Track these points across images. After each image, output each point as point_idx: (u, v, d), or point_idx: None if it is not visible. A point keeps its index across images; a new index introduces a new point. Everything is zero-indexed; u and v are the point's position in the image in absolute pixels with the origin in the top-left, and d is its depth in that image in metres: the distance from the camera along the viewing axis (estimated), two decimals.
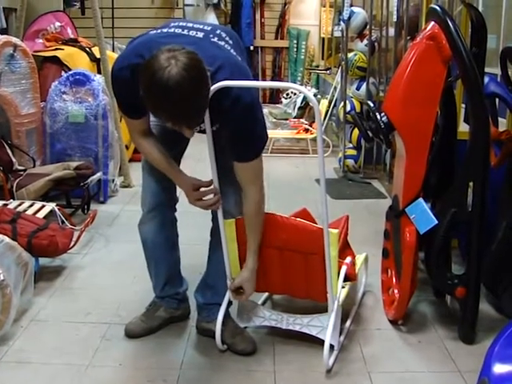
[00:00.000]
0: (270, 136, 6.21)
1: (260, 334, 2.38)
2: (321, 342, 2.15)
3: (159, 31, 1.96)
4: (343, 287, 2.34)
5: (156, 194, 2.22)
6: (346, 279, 2.36)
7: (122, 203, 4.06)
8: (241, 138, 1.91)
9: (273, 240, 2.16)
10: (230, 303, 2.30)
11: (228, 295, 2.26)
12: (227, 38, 1.99)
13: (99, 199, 4.07)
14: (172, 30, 1.94)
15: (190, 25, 1.97)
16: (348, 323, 2.45)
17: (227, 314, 2.30)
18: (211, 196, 2.04)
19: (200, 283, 2.38)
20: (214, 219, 2.19)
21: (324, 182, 1.94)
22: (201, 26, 1.97)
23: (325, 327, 2.18)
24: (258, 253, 2.13)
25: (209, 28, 1.98)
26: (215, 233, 2.19)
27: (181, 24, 1.98)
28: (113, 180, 4.22)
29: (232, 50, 1.95)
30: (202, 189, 2.06)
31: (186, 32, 1.93)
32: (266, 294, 2.62)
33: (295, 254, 2.17)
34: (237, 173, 1.98)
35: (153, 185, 2.21)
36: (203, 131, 1.99)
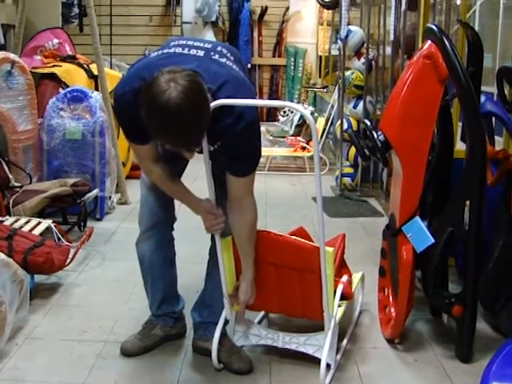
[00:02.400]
0: (267, 154, 6.31)
1: (256, 352, 2.38)
2: (317, 361, 2.15)
3: (160, 52, 1.95)
4: (340, 306, 2.34)
5: (154, 213, 2.22)
6: (342, 298, 2.36)
7: (119, 220, 4.05)
8: (241, 155, 1.91)
9: (269, 257, 2.17)
10: (226, 322, 2.30)
11: (224, 314, 2.25)
12: (228, 55, 1.98)
13: (96, 216, 4.06)
14: (172, 50, 1.94)
15: (191, 43, 1.96)
16: (344, 342, 2.45)
17: (224, 333, 2.30)
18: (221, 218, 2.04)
19: (197, 302, 2.38)
20: (213, 238, 2.19)
21: (321, 200, 1.95)
22: (201, 44, 1.97)
23: (321, 346, 2.18)
24: (253, 264, 2.13)
25: (209, 46, 1.98)
26: (214, 252, 2.18)
27: (181, 42, 1.97)
28: (110, 197, 4.22)
29: (234, 66, 1.95)
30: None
31: (186, 51, 1.92)
32: (262, 313, 2.62)
33: (291, 272, 2.17)
34: (231, 186, 1.97)
35: (151, 203, 2.22)
36: (201, 151, 2.00)
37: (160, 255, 2.28)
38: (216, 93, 1.81)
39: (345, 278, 2.45)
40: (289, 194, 5.06)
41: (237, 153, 1.91)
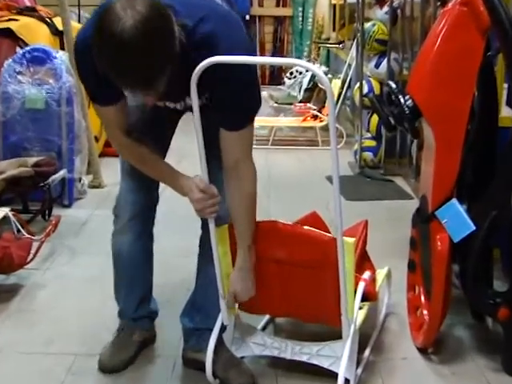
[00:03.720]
0: (270, 125, 6.30)
1: (260, 365, 2.39)
2: (334, 376, 2.15)
3: None
4: (361, 308, 2.34)
5: (135, 202, 2.25)
6: (364, 299, 2.36)
7: (92, 207, 4.05)
8: (235, 104, 1.90)
9: (274, 253, 2.17)
10: (223, 328, 2.30)
11: (221, 318, 2.25)
12: None
13: (63, 202, 4.06)
14: None
15: None
16: (367, 352, 2.45)
17: (220, 342, 2.30)
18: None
19: (187, 304, 2.39)
20: (204, 226, 2.18)
21: (337, 179, 1.93)
22: None
23: (338, 357, 2.18)
24: (252, 248, 2.12)
25: None
26: (206, 242, 2.19)
27: None
28: (80, 179, 4.21)
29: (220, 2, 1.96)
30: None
31: None
32: (267, 317, 2.62)
33: (302, 270, 2.16)
34: (226, 148, 1.96)
35: (134, 188, 2.23)
36: (187, 109, 1.97)
37: (140, 248, 2.32)
38: (194, 30, 1.80)
39: (367, 274, 2.45)
40: (297, 172, 5.06)
41: (230, 102, 1.89)
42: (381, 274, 2.69)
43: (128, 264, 2.34)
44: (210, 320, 2.28)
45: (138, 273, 2.36)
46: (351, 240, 2.07)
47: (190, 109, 1.94)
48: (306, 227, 2.18)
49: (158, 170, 2.09)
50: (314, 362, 2.26)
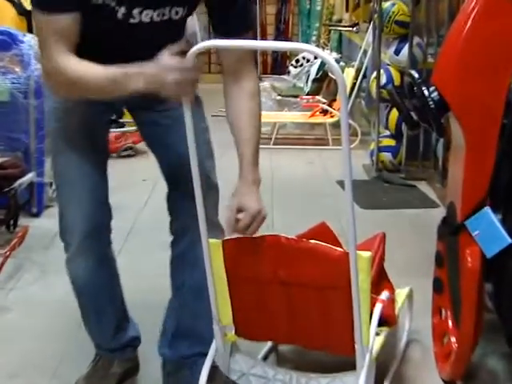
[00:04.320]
0: (273, 120, 6.31)
1: None
2: None
3: None
4: (378, 334, 2.33)
5: (90, 215, 2.20)
6: (381, 323, 2.35)
7: None
8: (241, 6, 2.04)
9: (277, 272, 2.16)
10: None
11: (214, 346, 2.26)
12: None
13: (31, 211, 4.07)
14: None
15: None
16: None
17: (214, 374, 2.30)
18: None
19: (165, 333, 2.42)
20: (174, 244, 2.30)
21: (350, 185, 1.92)
22: None
23: None
24: (258, 164, 2.14)
25: None
26: (186, 253, 2.27)
27: None
28: (51, 184, 4.16)
29: None
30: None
31: None
32: (269, 344, 2.64)
33: (309, 291, 2.16)
34: (227, 57, 2.09)
35: (80, 200, 2.20)
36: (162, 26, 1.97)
37: (101, 273, 2.31)
38: None
39: (385, 294, 2.43)
40: (304, 176, 5.07)
41: (235, 4, 2.03)
42: (401, 295, 2.69)
43: (91, 293, 2.34)
44: (202, 344, 2.30)
45: (105, 301, 2.37)
46: (366, 255, 2.06)
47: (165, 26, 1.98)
48: (313, 241, 2.16)
49: (103, 80, 1.91)
50: None
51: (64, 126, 2.18)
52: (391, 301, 2.51)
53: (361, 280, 2.03)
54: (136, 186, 4.40)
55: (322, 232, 2.55)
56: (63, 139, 2.18)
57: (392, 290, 2.60)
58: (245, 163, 2.09)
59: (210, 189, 2.24)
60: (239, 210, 2.06)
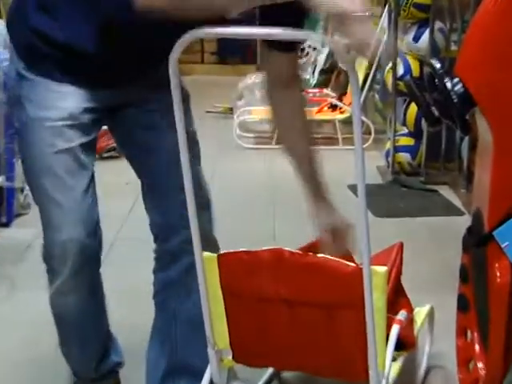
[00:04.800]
0: None
1: None
2: None
3: None
4: (394, 359, 2.33)
5: (85, 241, 2.19)
6: (399, 347, 2.35)
7: (38, 226, 4.02)
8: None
9: (280, 290, 2.16)
10: None
11: (209, 374, 2.25)
12: None
13: (0, 219, 4.08)
14: None
15: None
16: None
17: None
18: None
19: (155, 369, 2.44)
20: (158, 268, 2.39)
21: (364, 190, 1.93)
22: None
23: None
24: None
25: None
26: (168, 293, 2.36)
27: None
28: (22, 189, 4.21)
29: None
30: None
31: None
32: (270, 370, 2.65)
33: (316, 311, 2.16)
34: (278, 66, 2.16)
35: (77, 223, 2.18)
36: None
37: (95, 301, 2.35)
38: None
39: (403, 314, 2.43)
40: None
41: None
42: (421, 314, 2.69)
43: (77, 323, 2.37)
44: (197, 381, 2.29)
45: (91, 330, 2.40)
46: (382, 270, 2.06)
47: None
48: (321, 255, 2.16)
49: None
50: None
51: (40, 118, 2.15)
52: (410, 321, 2.50)
53: (375, 298, 2.02)
54: (119, 190, 4.40)
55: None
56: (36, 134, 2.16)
57: (410, 309, 2.59)
58: (317, 181, 2.29)
59: (204, 202, 2.32)
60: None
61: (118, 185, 4.47)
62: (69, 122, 2.11)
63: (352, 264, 2.12)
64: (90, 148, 2.20)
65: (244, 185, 4.79)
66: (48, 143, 2.12)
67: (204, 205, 2.31)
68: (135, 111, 2.26)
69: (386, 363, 2.16)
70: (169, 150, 2.13)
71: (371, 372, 2.09)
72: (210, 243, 2.24)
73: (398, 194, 4.81)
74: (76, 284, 2.25)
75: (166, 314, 2.42)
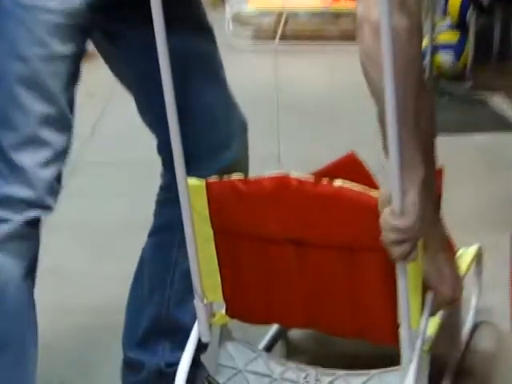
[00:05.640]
0: (278, 9, 6.23)
1: None
2: None
3: None
4: (433, 315, 2.30)
5: None
6: None
7: None
8: None
9: (288, 228, 2.15)
10: (202, 347, 2.32)
11: (197, 332, 2.26)
12: None
13: None
14: None
15: None
16: None
17: (197, 371, 2.36)
18: None
19: (134, 329, 2.50)
20: (165, 200, 2.42)
21: (393, 97, 1.89)
22: None
23: None
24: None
25: None
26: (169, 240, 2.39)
27: None
28: None
29: None
30: None
31: None
32: (275, 329, 2.69)
33: (332, 254, 2.15)
34: None
35: None
36: None
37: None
38: None
39: None
40: (324, 89, 5.07)
41: None
42: (466, 258, 2.69)
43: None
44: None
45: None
46: None
47: None
48: (338, 182, 2.12)
49: None
50: None
51: None
52: None
53: None
54: (80, 103, 4.38)
55: (351, 168, 2.54)
56: None
57: (453, 250, 2.57)
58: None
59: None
60: None
61: (79, 96, 4.46)
62: (71, 21, 2.12)
63: (377, 194, 2.07)
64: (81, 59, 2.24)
65: (241, 95, 4.76)
66: (39, 41, 2.11)
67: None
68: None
69: (421, 320, 2.15)
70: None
71: (402, 330, 2.09)
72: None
73: (437, 104, 4.76)
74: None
75: (164, 257, 2.45)
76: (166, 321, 2.43)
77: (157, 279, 2.48)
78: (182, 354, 2.30)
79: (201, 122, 2.34)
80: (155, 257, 2.49)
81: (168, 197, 2.38)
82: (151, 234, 2.50)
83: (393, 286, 2.05)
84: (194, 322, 2.29)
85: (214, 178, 2.15)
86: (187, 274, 2.28)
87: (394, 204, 1.91)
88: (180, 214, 2.25)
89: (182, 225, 2.26)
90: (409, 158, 1.97)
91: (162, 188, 2.47)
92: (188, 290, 2.29)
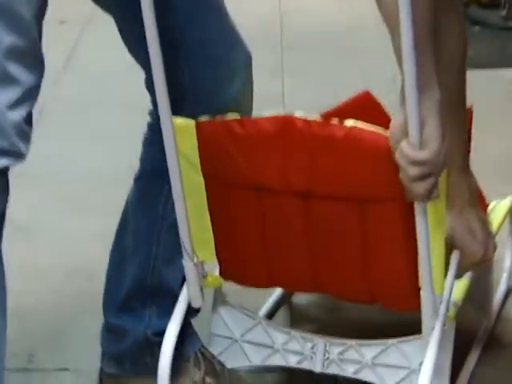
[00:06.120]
0: None
1: (265, 381, 2.51)
2: None
3: None
4: (459, 277, 2.33)
5: None
6: None
7: None
8: None
9: (290, 177, 2.14)
10: (193, 313, 2.35)
11: (186, 296, 2.27)
12: None
13: None
14: None
15: None
16: (471, 361, 2.51)
17: (186, 339, 2.40)
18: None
19: (116, 294, 2.51)
20: (153, 141, 2.35)
21: (410, 28, 1.85)
22: None
23: (415, 369, 2.18)
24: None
25: None
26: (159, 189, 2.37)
27: None
28: None
29: None
30: None
31: None
32: (278, 292, 2.72)
33: (343, 206, 2.14)
34: None
35: None
36: None
37: None
38: None
39: None
40: (335, 21, 5.08)
41: None
42: (498, 211, 2.69)
43: None
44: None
45: None
46: None
47: None
48: (349, 122, 2.11)
49: None
50: (369, 377, 2.26)
51: None
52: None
53: None
54: (49, 33, 4.38)
55: (366, 108, 2.54)
56: None
57: (483, 203, 2.58)
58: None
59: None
60: None
61: (49, 25, 4.46)
62: None
63: None
64: None
65: (241, 25, 4.78)
66: None
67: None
68: None
69: (445, 282, 2.15)
70: None
71: (424, 294, 2.08)
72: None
73: (468, 34, 4.77)
74: None
75: (150, 209, 2.45)
76: (152, 282, 2.43)
77: (142, 234, 2.47)
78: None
79: (199, 57, 2.32)
80: (140, 208, 2.48)
81: (157, 139, 2.34)
82: (137, 180, 2.49)
83: (412, 242, 2.04)
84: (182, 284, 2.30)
85: (205, 118, 2.13)
86: (177, 230, 2.29)
87: (412, 133, 1.91)
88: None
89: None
90: (425, 80, 1.97)
91: (150, 128, 2.46)
92: (178, 248, 2.30)
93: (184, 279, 2.29)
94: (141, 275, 2.46)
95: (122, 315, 2.48)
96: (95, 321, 2.60)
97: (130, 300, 2.48)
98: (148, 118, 2.45)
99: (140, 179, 2.49)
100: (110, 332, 2.53)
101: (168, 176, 2.24)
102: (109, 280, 2.55)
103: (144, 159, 2.49)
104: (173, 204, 2.27)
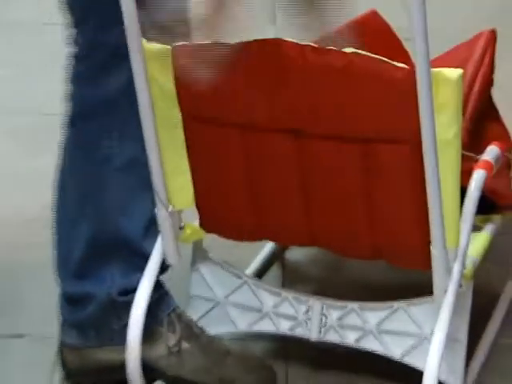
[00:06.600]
0: None
1: (256, 350, 2.54)
2: (414, 376, 2.14)
3: None
4: (478, 229, 2.35)
5: None
6: (485, 207, 2.37)
7: None
8: None
9: (278, 112, 2.14)
10: (165, 268, 2.39)
11: (160, 250, 2.27)
12: None
13: None
14: None
15: None
16: (493, 326, 2.57)
17: (165, 299, 2.43)
18: None
19: (77, 246, 2.47)
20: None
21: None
22: None
23: (425, 337, 2.20)
24: None
25: None
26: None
27: None
28: None
29: None
30: None
31: None
32: (268, 248, 2.77)
33: (343, 148, 2.14)
34: None
35: None
36: None
37: None
38: None
39: (493, 152, 2.40)
40: None
41: None
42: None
43: None
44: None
45: None
46: (454, 74, 2.01)
47: None
48: (350, 50, 2.10)
49: None
50: (373, 346, 2.27)
51: None
52: (505, 164, 2.49)
53: (442, 124, 1.99)
54: None
55: (371, 30, 2.54)
56: None
57: (507, 144, 2.57)
58: None
59: None
60: None
61: None
62: None
63: (402, 65, 2.07)
64: None
65: None
66: None
67: None
68: None
69: (461, 235, 2.14)
70: None
71: (434, 250, 2.08)
72: None
73: None
74: None
75: (90, 153, 2.41)
76: (107, 237, 2.42)
77: (86, 182, 2.44)
78: (137, 276, 2.33)
79: None
80: (79, 154, 2.44)
81: (82, 70, 2.35)
82: (68, 126, 2.43)
83: (422, 190, 2.04)
84: (149, 234, 2.30)
85: (183, 43, 2.11)
86: (128, 170, 2.31)
87: None
88: (116, 85, 2.27)
89: (118, 102, 2.27)
90: None
91: (76, 57, 2.36)
92: (132, 192, 2.33)
93: (146, 229, 2.32)
94: (92, 232, 2.44)
95: (80, 281, 2.47)
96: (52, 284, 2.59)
97: (85, 263, 2.47)
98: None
99: (72, 125, 2.42)
100: (69, 302, 2.51)
101: (109, 112, 2.29)
102: (57, 244, 2.52)
103: (72, 99, 2.42)
104: (119, 140, 2.30)
